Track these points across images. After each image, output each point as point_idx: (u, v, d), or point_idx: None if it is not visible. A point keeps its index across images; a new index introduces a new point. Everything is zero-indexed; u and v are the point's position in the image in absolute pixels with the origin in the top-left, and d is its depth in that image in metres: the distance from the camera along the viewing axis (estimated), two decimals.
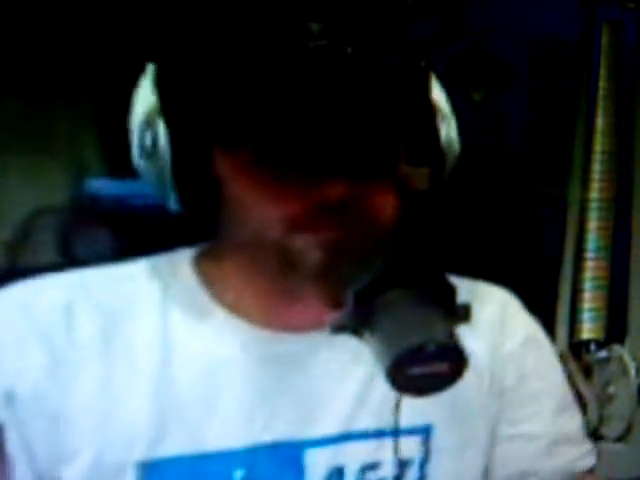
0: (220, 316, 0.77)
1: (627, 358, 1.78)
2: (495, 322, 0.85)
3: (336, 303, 0.69)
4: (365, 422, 0.77)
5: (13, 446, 0.74)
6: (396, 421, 0.73)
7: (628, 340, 1.81)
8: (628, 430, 1.79)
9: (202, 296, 0.78)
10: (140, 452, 0.73)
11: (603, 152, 1.86)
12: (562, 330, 1.86)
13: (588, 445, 0.88)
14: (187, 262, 0.80)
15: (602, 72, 1.86)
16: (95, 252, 1.88)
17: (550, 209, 2.23)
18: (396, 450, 0.76)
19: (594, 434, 1.83)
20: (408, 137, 0.73)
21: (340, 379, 0.78)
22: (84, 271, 0.80)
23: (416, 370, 0.64)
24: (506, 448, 0.83)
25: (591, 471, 0.87)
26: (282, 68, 0.67)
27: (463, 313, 0.68)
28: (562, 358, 1.88)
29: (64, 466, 0.73)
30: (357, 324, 0.67)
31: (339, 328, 0.68)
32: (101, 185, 1.95)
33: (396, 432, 0.74)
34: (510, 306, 0.89)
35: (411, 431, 0.78)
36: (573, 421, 0.88)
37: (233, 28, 0.70)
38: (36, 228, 1.89)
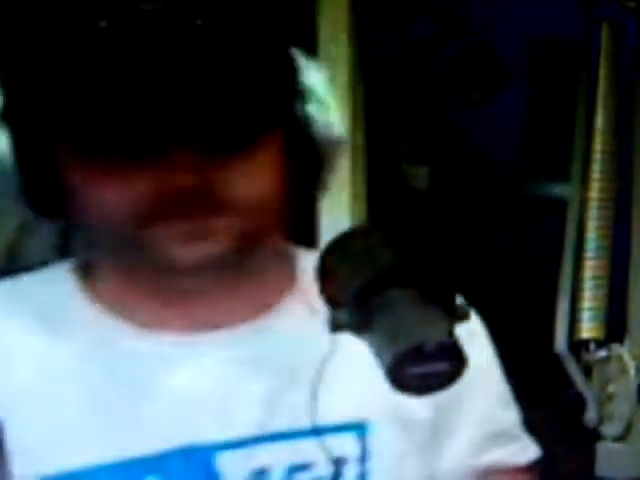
0: (97, 318, 0.75)
1: (627, 358, 1.78)
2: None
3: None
4: (282, 423, 0.75)
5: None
6: (313, 420, 0.72)
7: (628, 340, 1.81)
8: (628, 430, 1.79)
9: (78, 300, 0.76)
10: (43, 467, 0.71)
11: (603, 152, 1.86)
12: (562, 330, 1.87)
13: (526, 440, 0.86)
14: (65, 270, 0.78)
15: (602, 72, 1.86)
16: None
17: (550, 209, 2.23)
18: (329, 450, 0.74)
19: (594, 434, 1.84)
20: (273, 120, 0.69)
21: (241, 381, 0.75)
22: None
23: (416, 369, 0.64)
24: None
25: (533, 465, 0.86)
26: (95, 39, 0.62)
27: (462, 313, 0.68)
28: (562, 358, 1.88)
29: None
30: (356, 323, 0.67)
31: (338, 327, 0.69)
32: None
33: (317, 431, 0.73)
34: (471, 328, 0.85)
35: (342, 428, 0.76)
36: (508, 417, 0.85)
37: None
38: (36, 228, 1.89)
